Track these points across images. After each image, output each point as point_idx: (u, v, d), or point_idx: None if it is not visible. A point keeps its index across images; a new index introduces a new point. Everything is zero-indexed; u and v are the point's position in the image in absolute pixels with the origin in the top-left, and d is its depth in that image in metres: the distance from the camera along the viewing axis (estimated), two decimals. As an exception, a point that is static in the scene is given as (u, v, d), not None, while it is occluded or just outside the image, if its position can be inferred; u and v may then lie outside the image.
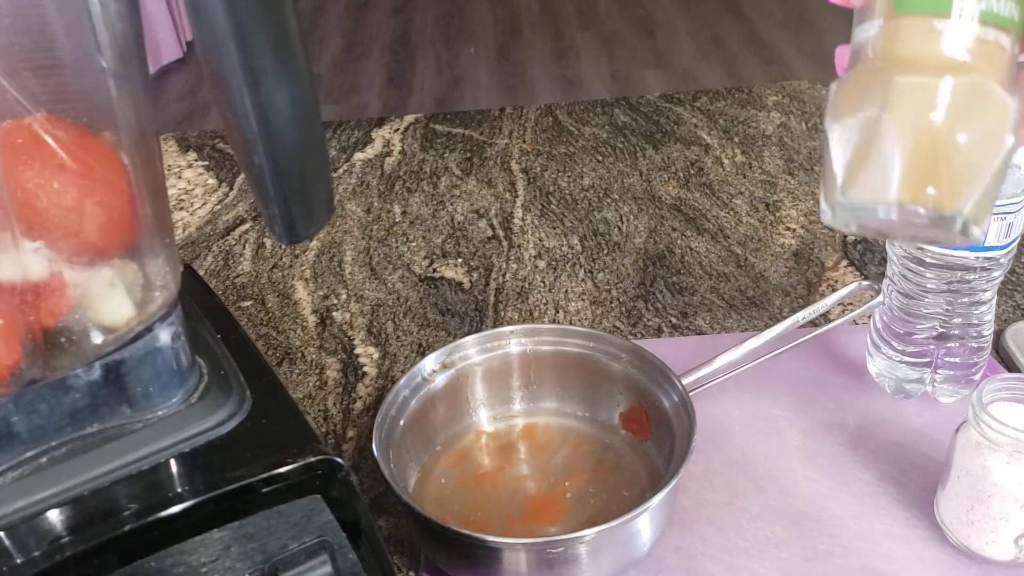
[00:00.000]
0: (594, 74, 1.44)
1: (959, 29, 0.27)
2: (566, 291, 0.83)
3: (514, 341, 0.64)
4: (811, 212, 0.93)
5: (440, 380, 0.63)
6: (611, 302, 0.81)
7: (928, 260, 0.60)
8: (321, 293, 0.85)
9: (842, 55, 0.32)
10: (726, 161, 1.04)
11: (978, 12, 0.27)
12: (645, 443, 0.62)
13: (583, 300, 0.82)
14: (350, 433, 0.69)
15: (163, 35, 1.53)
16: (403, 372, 0.62)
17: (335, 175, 1.05)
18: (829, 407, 0.67)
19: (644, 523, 0.53)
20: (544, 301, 0.82)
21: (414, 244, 0.92)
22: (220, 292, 0.85)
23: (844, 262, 0.85)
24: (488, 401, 0.66)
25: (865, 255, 0.86)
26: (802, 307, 0.65)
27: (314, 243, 0.93)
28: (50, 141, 0.34)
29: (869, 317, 0.69)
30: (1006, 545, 0.53)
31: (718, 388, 0.62)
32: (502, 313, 0.81)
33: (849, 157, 0.29)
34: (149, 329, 0.39)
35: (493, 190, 1.01)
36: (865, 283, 0.67)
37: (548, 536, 0.51)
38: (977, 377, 0.65)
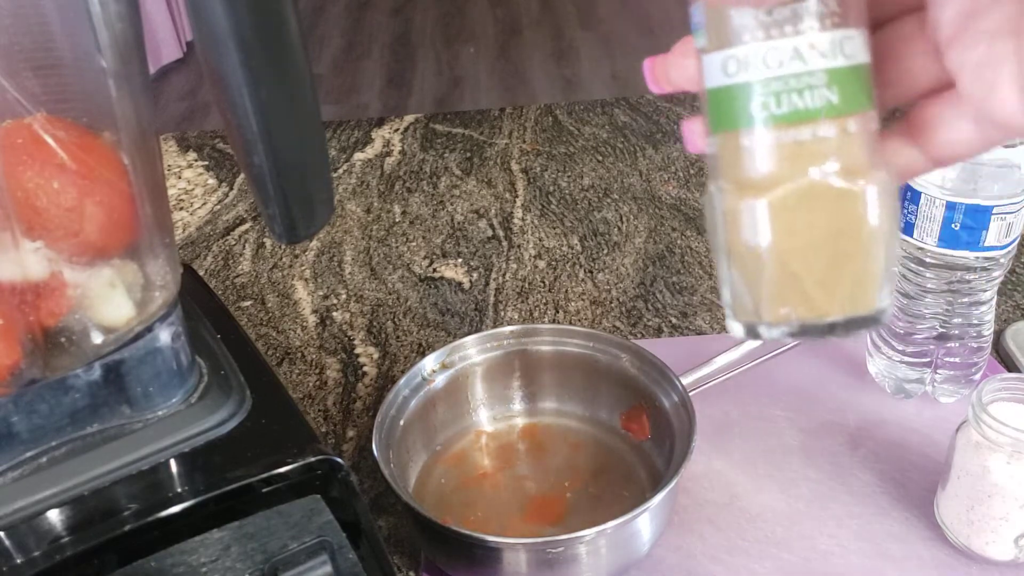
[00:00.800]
0: (594, 74, 1.43)
1: (772, 138, 0.25)
2: (566, 291, 0.83)
3: (514, 341, 0.64)
4: (811, 212, 0.93)
5: (440, 380, 0.63)
6: (611, 302, 0.81)
7: (928, 260, 0.60)
8: (321, 293, 0.85)
9: (690, 129, 0.30)
10: (726, 161, 1.04)
11: (783, 116, 0.25)
12: (645, 443, 0.62)
13: (583, 300, 0.82)
14: (350, 433, 0.69)
15: (163, 35, 1.53)
16: (403, 372, 0.62)
17: (335, 175, 1.05)
18: (829, 407, 0.67)
19: (644, 523, 0.53)
20: (544, 301, 0.82)
21: (414, 244, 0.92)
22: (220, 292, 0.85)
23: (844, 262, 0.85)
24: (488, 401, 0.66)
25: (865, 255, 0.86)
26: (802, 307, 0.65)
27: (314, 243, 0.93)
28: (50, 141, 0.34)
29: (869, 317, 0.69)
30: (1006, 545, 0.53)
31: (718, 388, 0.62)
32: (502, 313, 0.81)
33: (726, 280, 0.28)
34: (149, 329, 0.39)
35: (493, 190, 1.01)
36: (865, 283, 0.66)
37: (548, 536, 0.51)
38: (977, 377, 0.65)
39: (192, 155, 1.13)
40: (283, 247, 0.92)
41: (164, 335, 0.40)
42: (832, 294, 0.26)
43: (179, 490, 0.38)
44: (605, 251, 0.89)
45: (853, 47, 0.25)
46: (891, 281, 0.27)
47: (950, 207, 0.57)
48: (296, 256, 0.91)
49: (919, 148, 0.27)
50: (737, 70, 0.25)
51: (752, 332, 0.27)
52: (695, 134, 0.29)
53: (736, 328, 0.28)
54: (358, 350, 0.77)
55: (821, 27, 0.25)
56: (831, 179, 0.25)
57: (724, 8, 0.25)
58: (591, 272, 0.86)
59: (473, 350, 0.64)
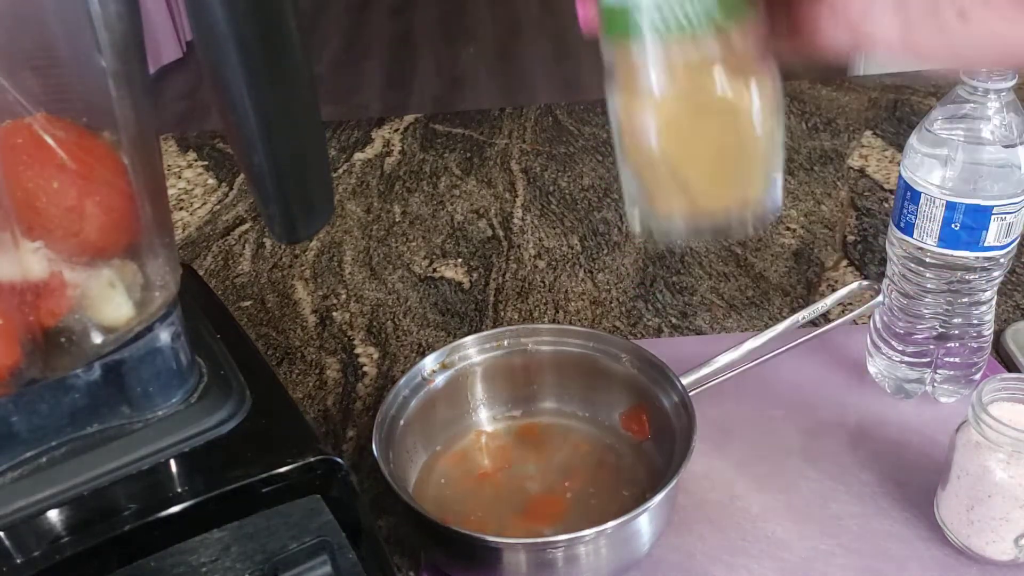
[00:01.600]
0: (594, 74, 1.44)
1: (657, 50, 0.27)
2: (566, 291, 0.83)
3: (514, 341, 0.64)
4: (811, 212, 0.93)
5: (440, 380, 0.63)
6: (611, 302, 0.81)
7: (928, 260, 0.60)
8: (321, 293, 0.85)
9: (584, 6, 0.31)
10: (726, 161, 1.04)
11: (668, 27, 0.26)
12: (645, 443, 0.62)
13: (583, 300, 0.82)
14: (350, 433, 0.69)
15: (163, 35, 1.53)
16: (403, 372, 0.62)
17: (335, 175, 1.05)
18: (829, 407, 0.67)
19: (644, 523, 0.53)
20: (544, 301, 0.82)
21: (414, 244, 0.92)
22: (220, 292, 0.85)
23: (844, 262, 0.85)
24: (488, 401, 0.66)
25: (865, 255, 0.86)
26: (802, 307, 0.65)
27: (314, 243, 0.93)
28: (50, 141, 0.35)
29: (869, 317, 0.69)
30: (1006, 545, 0.53)
31: (718, 388, 0.62)
32: (502, 313, 0.81)
33: (624, 177, 0.30)
34: (149, 329, 0.39)
35: (493, 190, 1.01)
36: (865, 283, 0.67)
37: (548, 536, 0.51)
38: (977, 377, 0.65)
39: (192, 155, 1.13)
40: (283, 247, 0.92)
41: (164, 335, 0.40)
42: (718, 190, 0.28)
43: (179, 490, 0.38)
44: (605, 251, 0.89)
45: None
46: (777, 180, 0.28)
47: (950, 207, 0.57)
48: (296, 256, 0.91)
49: (795, 48, 0.28)
50: None
51: (646, 226, 0.29)
52: (586, 17, 0.31)
53: (634, 221, 0.30)
54: (358, 350, 0.77)
55: None
56: (715, 84, 0.27)
57: None
58: (591, 272, 0.86)
59: (473, 350, 0.64)
